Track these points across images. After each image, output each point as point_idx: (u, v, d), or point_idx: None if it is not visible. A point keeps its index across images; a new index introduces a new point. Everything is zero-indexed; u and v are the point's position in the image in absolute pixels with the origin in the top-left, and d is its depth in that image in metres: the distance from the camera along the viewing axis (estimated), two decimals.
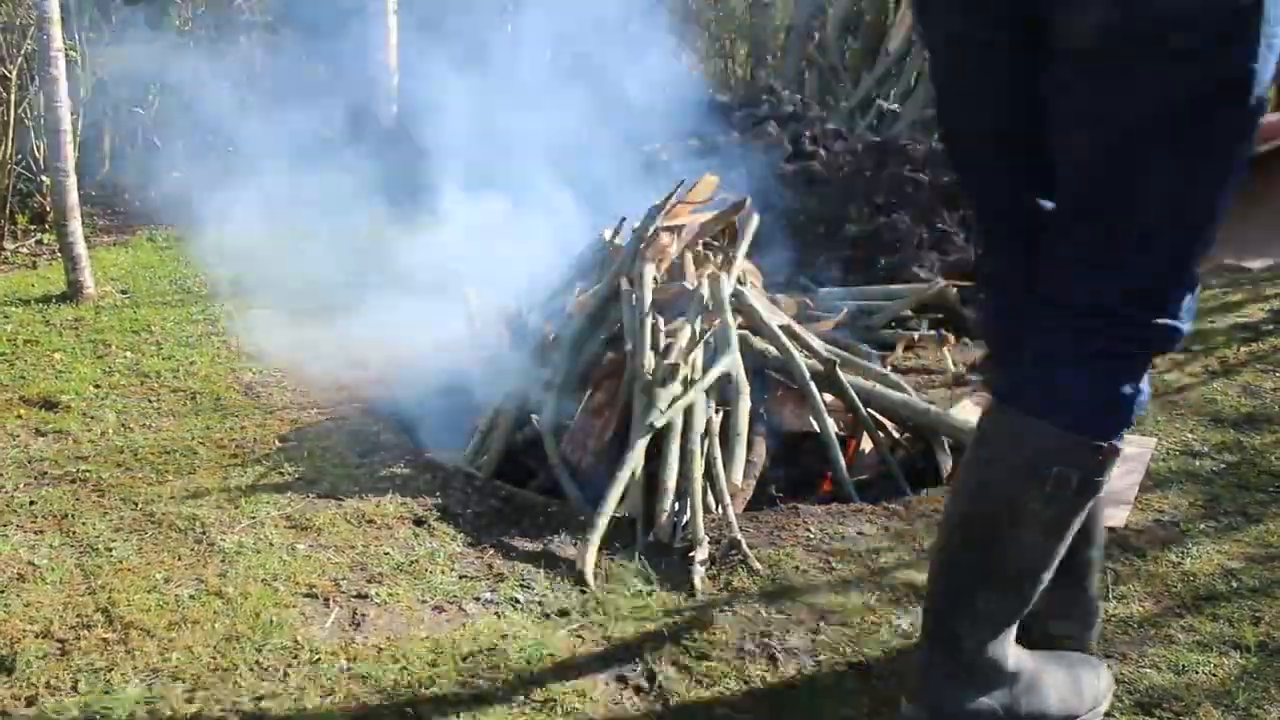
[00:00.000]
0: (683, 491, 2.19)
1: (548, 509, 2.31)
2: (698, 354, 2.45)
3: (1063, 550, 1.40)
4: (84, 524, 2.24)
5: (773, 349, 2.56)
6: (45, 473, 2.51)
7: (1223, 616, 1.81)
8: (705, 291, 2.54)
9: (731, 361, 2.40)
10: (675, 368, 2.34)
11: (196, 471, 2.52)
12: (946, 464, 2.47)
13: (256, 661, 1.74)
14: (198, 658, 1.74)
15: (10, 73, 4.80)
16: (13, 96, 4.82)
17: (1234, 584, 1.89)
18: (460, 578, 2.02)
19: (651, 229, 2.68)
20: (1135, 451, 2.38)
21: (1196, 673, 1.67)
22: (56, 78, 3.79)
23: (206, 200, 4.20)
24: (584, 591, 1.96)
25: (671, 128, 4.68)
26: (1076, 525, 1.39)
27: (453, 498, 2.37)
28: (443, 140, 4.36)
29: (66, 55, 3.90)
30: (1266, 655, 1.70)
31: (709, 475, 2.24)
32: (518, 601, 1.93)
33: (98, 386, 3.11)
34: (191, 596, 1.94)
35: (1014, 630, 1.47)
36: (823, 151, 4.52)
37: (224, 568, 2.04)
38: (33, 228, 5.19)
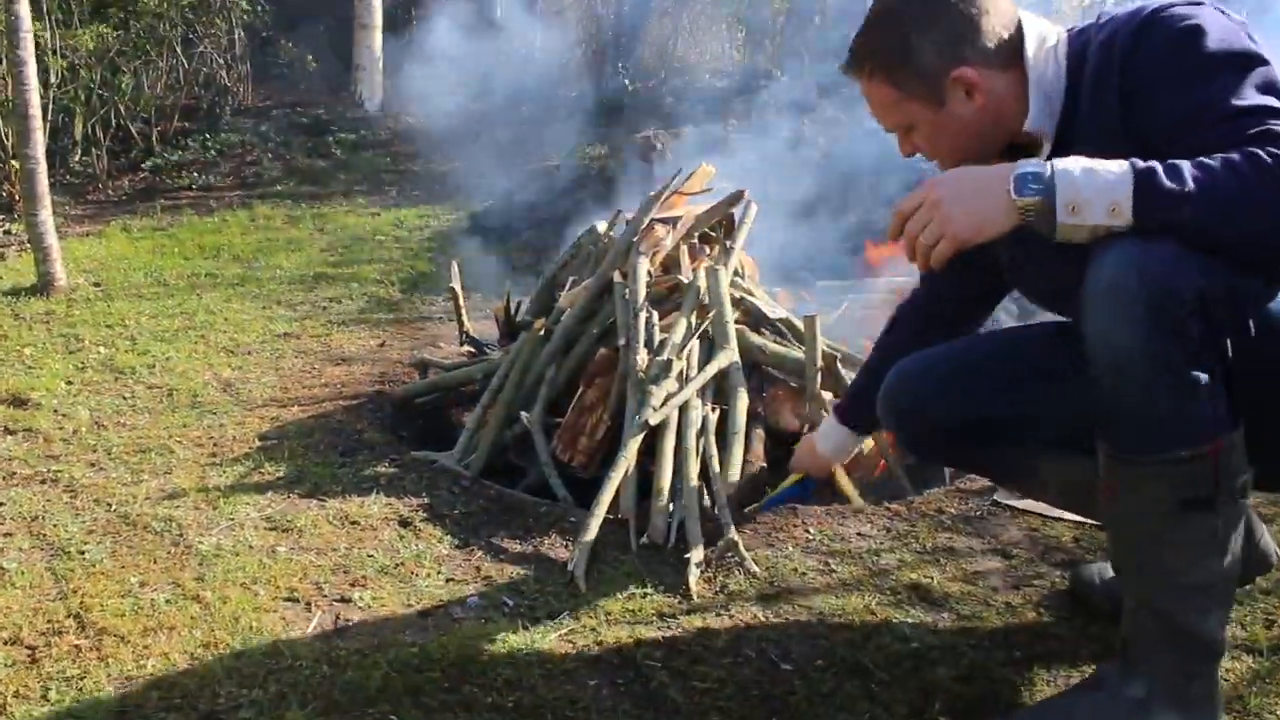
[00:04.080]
0: (677, 492, 2.14)
1: (538, 509, 2.28)
2: (693, 349, 2.41)
3: None
4: (55, 526, 2.20)
5: (771, 344, 2.52)
6: (14, 473, 2.47)
7: (1235, 619, 1.78)
8: (701, 285, 2.50)
9: (728, 357, 2.36)
10: (670, 364, 2.29)
11: (173, 471, 2.47)
12: None
13: (235, 668, 1.69)
14: (174, 664, 1.69)
15: None
16: None
17: (1246, 586, 1.86)
18: (447, 580, 1.98)
19: (646, 220, 2.64)
20: None
21: None
22: (25, 60, 3.72)
23: None
24: (575, 594, 1.92)
25: None
26: None
27: (439, 498, 2.33)
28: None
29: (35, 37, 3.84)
30: (1279, 658, 1.67)
31: (705, 475, 2.20)
32: (506, 605, 1.89)
33: (70, 383, 3.07)
34: (167, 601, 1.89)
35: None
36: (822, 139, 4.49)
37: (201, 571, 2.00)
38: (1, 217, 5.11)
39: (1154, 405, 1.31)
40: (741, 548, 2.01)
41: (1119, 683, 1.42)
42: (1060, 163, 1.30)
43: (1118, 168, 1.27)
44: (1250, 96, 1.29)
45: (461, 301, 3.19)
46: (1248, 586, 1.83)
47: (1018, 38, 1.46)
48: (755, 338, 2.53)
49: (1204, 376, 1.28)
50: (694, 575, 1.94)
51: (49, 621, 1.82)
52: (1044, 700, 1.58)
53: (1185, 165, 1.26)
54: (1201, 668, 1.38)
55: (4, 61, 4.25)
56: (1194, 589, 1.36)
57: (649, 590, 1.93)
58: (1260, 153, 1.23)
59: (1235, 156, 1.24)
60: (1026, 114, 1.45)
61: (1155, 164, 1.26)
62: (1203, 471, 1.32)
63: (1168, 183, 1.25)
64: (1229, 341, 1.32)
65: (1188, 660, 1.37)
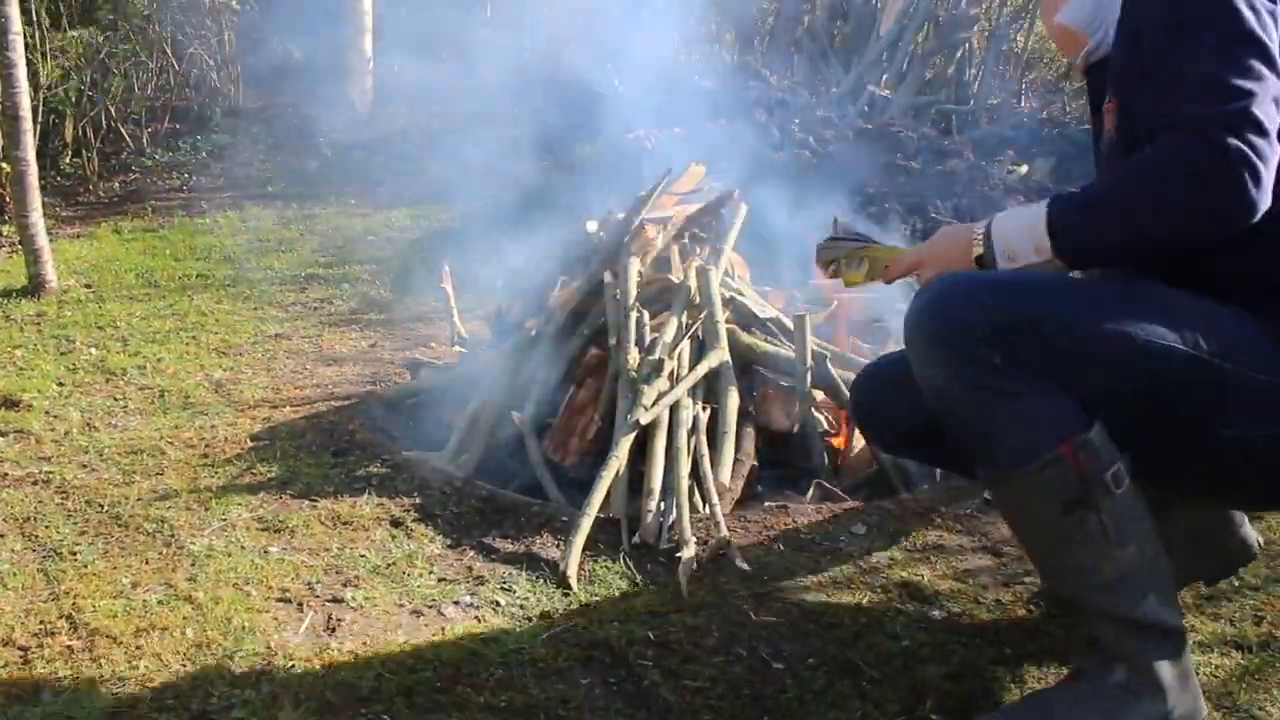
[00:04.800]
0: (669, 491, 2.14)
1: (529, 509, 2.27)
2: (684, 349, 2.41)
3: None
4: (47, 527, 2.18)
5: (761, 343, 2.52)
6: (6, 474, 2.45)
7: (1224, 616, 1.79)
8: (692, 284, 2.50)
9: (719, 357, 2.36)
10: (660, 363, 2.29)
11: (165, 472, 2.46)
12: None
13: (228, 668, 1.68)
14: (167, 665, 1.69)
15: None
16: None
17: (1235, 582, 1.86)
18: (439, 580, 1.97)
19: (636, 220, 2.64)
20: None
21: (1198, 673, 1.64)
22: (15, 62, 3.70)
23: None
24: (567, 594, 1.92)
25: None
26: None
27: (431, 498, 2.32)
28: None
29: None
30: (1268, 654, 1.69)
31: (696, 474, 2.20)
32: (498, 605, 1.89)
33: (61, 384, 3.05)
34: (160, 602, 1.89)
35: None
36: (812, 139, 4.48)
37: (194, 572, 1.99)
38: None
39: (988, 427, 1.38)
40: (733, 546, 2.01)
41: (1099, 673, 1.43)
42: (997, 219, 1.44)
43: (1035, 210, 1.37)
44: (1192, 65, 1.28)
45: (453, 302, 3.18)
46: (1232, 579, 1.84)
47: None
48: (746, 337, 2.53)
49: (1021, 391, 1.34)
50: (685, 574, 1.94)
51: (41, 622, 1.82)
52: (1026, 696, 1.59)
53: (1090, 192, 1.35)
54: (1168, 650, 1.40)
55: None
56: (1113, 583, 1.38)
57: (640, 589, 1.93)
58: (1163, 154, 1.27)
59: (1138, 166, 1.30)
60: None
61: (1064, 198, 1.37)
62: (1064, 473, 1.35)
63: (1074, 218, 1.35)
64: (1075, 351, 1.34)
65: (1152, 645, 1.39)
